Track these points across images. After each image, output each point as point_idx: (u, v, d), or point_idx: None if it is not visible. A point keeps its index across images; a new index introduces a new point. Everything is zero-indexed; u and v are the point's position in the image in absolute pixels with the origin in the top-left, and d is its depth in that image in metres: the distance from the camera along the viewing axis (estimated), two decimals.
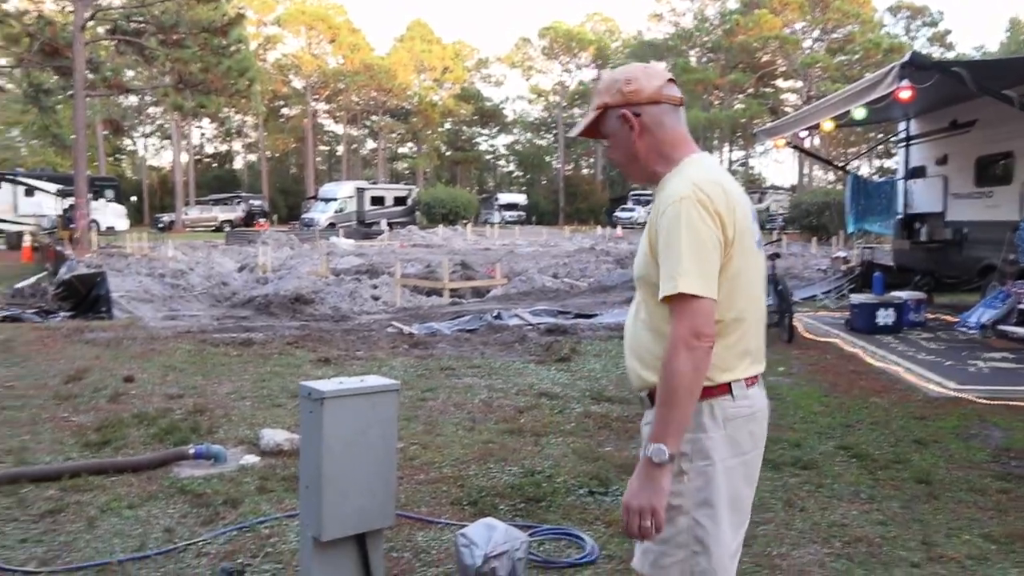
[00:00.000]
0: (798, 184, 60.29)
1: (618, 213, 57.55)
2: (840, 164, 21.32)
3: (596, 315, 11.97)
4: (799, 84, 58.20)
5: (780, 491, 4.40)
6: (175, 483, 4.49)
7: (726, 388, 2.01)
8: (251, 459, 4.93)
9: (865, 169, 53.18)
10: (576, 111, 76.98)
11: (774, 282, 9.96)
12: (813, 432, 5.55)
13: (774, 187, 66.89)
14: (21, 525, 3.94)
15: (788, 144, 12.18)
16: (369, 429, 2.50)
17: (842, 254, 14.75)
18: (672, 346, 1.88)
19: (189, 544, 3.69)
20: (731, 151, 73.95)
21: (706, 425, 1.98)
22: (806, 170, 60.86)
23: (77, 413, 6.04)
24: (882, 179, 17.72)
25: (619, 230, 41.70)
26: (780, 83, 64.09)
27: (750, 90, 60.23)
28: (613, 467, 4.77)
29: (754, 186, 70.73)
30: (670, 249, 1.91)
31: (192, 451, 4.88)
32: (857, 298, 10.08)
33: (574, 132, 2.21)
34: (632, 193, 66.57)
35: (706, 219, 1.92)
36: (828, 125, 9.79)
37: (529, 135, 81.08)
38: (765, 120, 44.51)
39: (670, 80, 2.13)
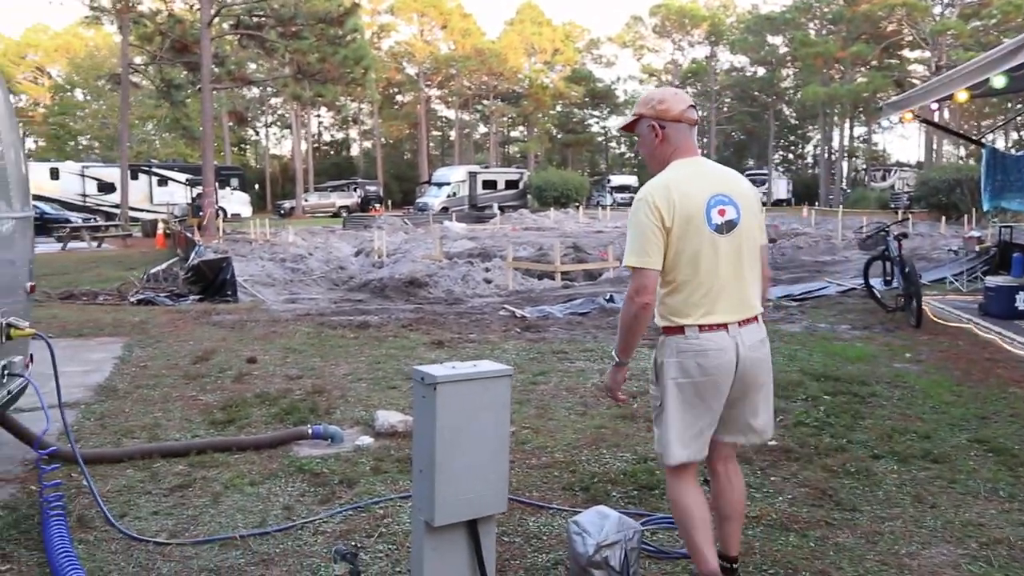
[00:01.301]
0: (925, 160, 57.26)
1: None
2: (974, 137, 20.03)
3: None
4: (927, 54, 55.05)
5: (908, 485, 4.17)
6: (294, 462, 4.62)
7: (680, 329, 2.85)
8: (366, 440, 5.03)
9: (1002, 143, 49.96)
10: (690, 89, 75.35)
11: (900, 264, 9.48)
12: (944, 423, 5.24)
13: (899, 164, 63.84)
14: (153, 498, 4.14)
15: (916, 118, 11.50)
16: (482, 414, 2.49)
17: (976, 234, 13.89)
18: (625, 298, 2.83)
19: (307, 522, 3.79)
20: (852, 127, 70.85)
21: (665, 354, 2.89)
22: (934, 145, 57.69)
23: (204, 392, 6.32)
24: (1022, 152, 16.55)
25: None
26: (906, 54, 60.77)
27: (873, 62, 57.32)
28: None
29: (877, 163, 67.71)
30: (627, 235, 2.82)
31: (310, 431, 5.01)
32: (993, 281, 9.47)
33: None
34: (746, 173, 64.80)
35: (648, 214, 2.76)
36: (962, 96, 9.15)
37: None
38: (889, 94, 42.37)
39: (692, 105, 2.95)
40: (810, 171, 75.80)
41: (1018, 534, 3.57)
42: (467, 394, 2.45)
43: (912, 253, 12.95)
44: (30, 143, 64.86)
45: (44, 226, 29.09)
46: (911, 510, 3.86)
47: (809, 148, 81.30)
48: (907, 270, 9.20)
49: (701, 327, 2.80)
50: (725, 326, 2.82)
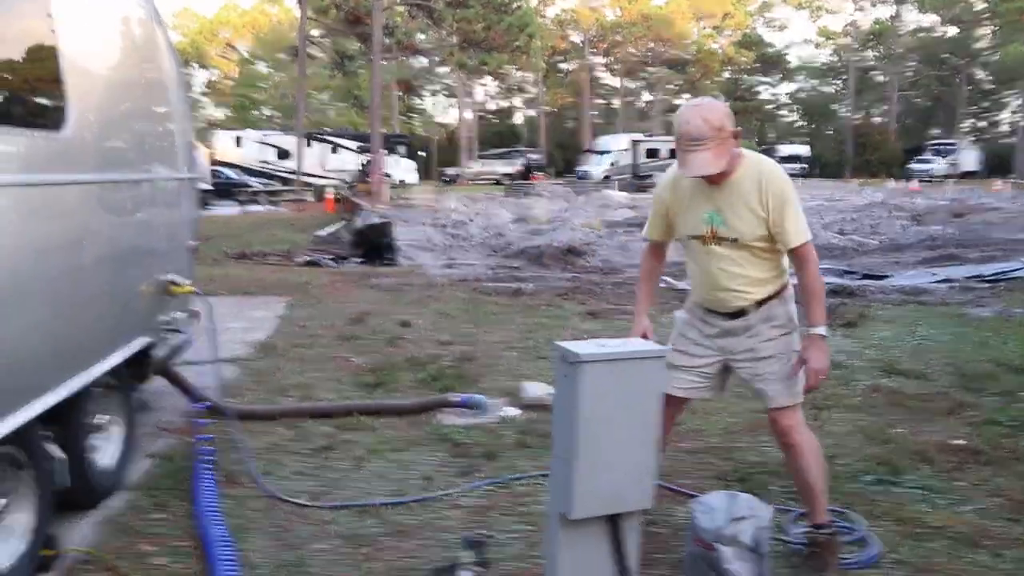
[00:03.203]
0: None
1: (913, 165, 52.46)
2: None
3: (887, 276, 10.85)
4: None
5: None
6: (437, 430, 4.54)
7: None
8: (512, 411, 4.89)
9: None
10: (870, 53, 70.69)
11: None
12: None
13: None
14: (298, 458, 4.17)
15: None
16: (630, 399, 2.22)
17: None
18: (816, 269, 2.87)
19: (445, 494, 3.69)
20: None
21: (790, 304, 3.02)
22: None
23: (357, 354, 6.39)
24: None
25: (915, 183, 37.86)
26: None
27: None
28: (907, 453, 4.16)
29: None
30: (794, 210, 2.82)
31: (456, 399, 4.93)
32: None
33: (703, 172, 2.81)
34: (931, 144, 60.26)
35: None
36: None
37: (815, 82, 75.90)
38: None
39: None
40: (1005, 140, 69.53)
41: None
42: (614, 376, 2.19)
43: None
44: (219, 114, 69.37)
45: (227, 190, 31.04)
46: None
47: (1005, 115, 74.53)
48: None
49: None
50: None
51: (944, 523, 3.35)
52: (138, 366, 4.07)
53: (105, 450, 3.78)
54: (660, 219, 3.12)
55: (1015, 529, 3.33)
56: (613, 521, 2.26)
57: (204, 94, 67.81)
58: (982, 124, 75.29)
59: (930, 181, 44.49)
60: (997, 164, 55.89)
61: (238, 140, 41.27)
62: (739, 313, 2.97)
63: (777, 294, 2.97)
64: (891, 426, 4.62)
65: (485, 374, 5.77)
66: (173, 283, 4.26)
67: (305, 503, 3.61)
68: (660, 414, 2.38)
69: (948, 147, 57.76)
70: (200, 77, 66.28)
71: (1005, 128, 73.42)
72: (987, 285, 10.06)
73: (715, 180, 2.86)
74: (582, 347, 2.26)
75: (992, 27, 60.23)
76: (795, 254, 2.86)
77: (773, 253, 2.91)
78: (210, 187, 27.24)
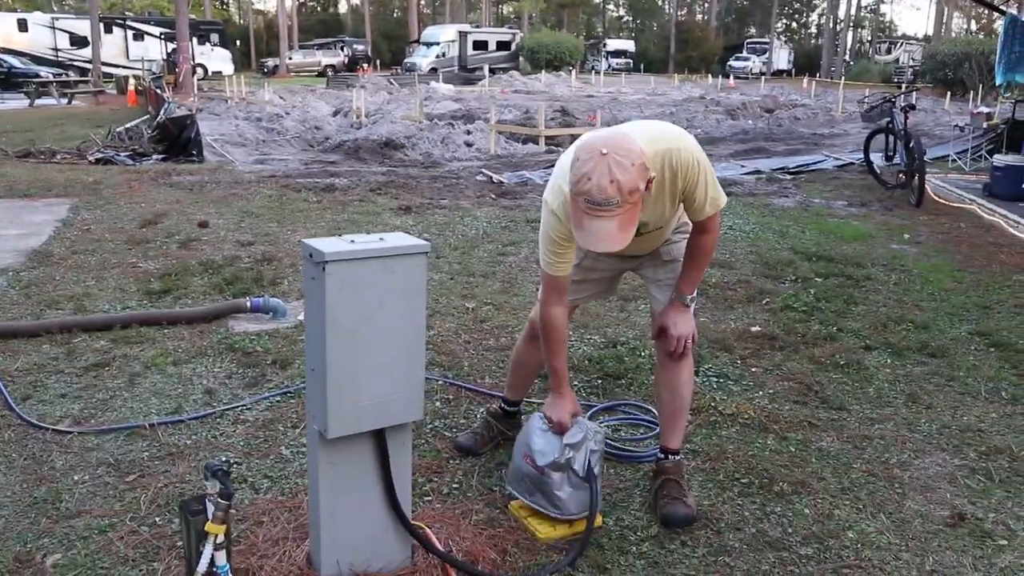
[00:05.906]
0: (934, 34, 55.26)
1: (732, 63, 54.46)
2: (998, 4, 18.56)
3: None
4: None
5: (902, 382, 3.76)
6: (226, 338, 4.18)
7: None
8: None
9: None
10: None
11: (905, 137, 8.89)
12: (943, 313, 4.81)
13: (905, 37, 61.78)
14: (64, 378, 3.71)
15: None
16: (388, 302, 1.96)
17: (985, 109, 13.15)
18: (716, 237, 2.66)
19: (227, 409, 3.38)
20: None
21: None
22: (944, 18, 55.50)
23: (146, 259, 5.82)
24: None
25: (732, 80, 39.35)
26: None
27: None
28: (707, 341, 4.21)
29: (883, 35, 65.40)
30: (705, 184, 2.41)
31: (249, 304, 4.56)
32: (1001, 160, 8.90)
33: (606, 247, 2.21)
34: (748, 42, 62.61)
35: None
36: None
37: None
38: None
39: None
40: (813, 41, 73.33)
41: (1021, 443, 3.18)
42: (368, 276, 1.92)
43: (914, 128, 12.29)
44: None
45: (12, 81, 27.87)
46: (904, 411, 3.46)
47: (814, 17, 78.43)
48: (911, 144, 8.62)
49: None
50: None
51: (736, 410, 3.40)
52: None
53: None
54: (568, 251, 2.49)
55: (801, 412, 3.42)
56: (380, 436, 2.04)
57: None
58: (794, 25, 78.93)
59: (746, 78, 46.39)
60: (806, 64, 58.95)
61: (22, 24, 36.94)
62: None
63: None
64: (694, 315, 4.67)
65: (286, 275, 5.40)
66: None
67: (65, 429, 3.20)
68: (423, 315, 2.09)
69: (763, 46, 60.22)
70: None
71: (813, 30, 77.31)
72: (790, 177, 10.53)
73: None
74: (329, 244, 1.96)
75: None
76: (701, 222, 2.52)
77: None
78: None
